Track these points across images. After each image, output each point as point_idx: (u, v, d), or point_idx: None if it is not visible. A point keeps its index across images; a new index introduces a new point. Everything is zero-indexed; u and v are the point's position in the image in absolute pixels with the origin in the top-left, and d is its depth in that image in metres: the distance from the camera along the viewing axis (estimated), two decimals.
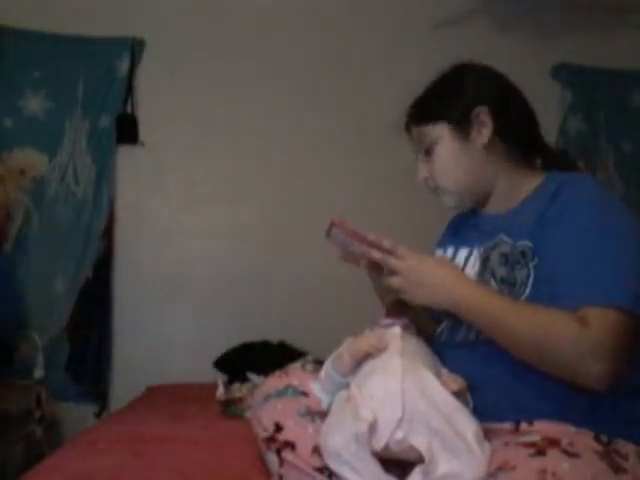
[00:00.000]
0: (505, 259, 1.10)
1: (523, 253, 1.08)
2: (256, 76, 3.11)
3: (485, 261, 1.15)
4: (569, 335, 0.96)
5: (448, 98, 1.20)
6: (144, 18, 3.06)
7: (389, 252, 1.12)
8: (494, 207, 1.21)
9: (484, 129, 1.17)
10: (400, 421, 0.95)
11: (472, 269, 1.18)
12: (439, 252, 1.30)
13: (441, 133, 1.19)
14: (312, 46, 3.14)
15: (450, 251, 1.26)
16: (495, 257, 1.13)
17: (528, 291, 1.06)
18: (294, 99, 3.11)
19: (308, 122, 3.12)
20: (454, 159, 1.19)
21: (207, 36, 3.10)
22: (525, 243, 1.08)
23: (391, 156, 3.05)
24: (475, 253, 1.19)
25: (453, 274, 1.12)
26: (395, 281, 1.12)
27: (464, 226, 1.29)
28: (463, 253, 1.22)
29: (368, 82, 3.15)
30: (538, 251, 1.06)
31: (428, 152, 1.21)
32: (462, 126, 1.18)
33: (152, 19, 3.06)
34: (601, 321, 0.95)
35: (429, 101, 1.23)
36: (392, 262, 1.11)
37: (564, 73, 3.33)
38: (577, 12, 3.23)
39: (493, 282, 1.12)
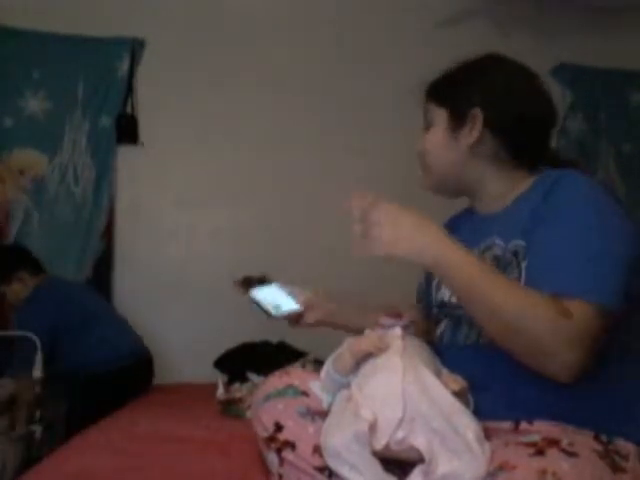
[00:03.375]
0: (497, 262, 1.09)
1: (515, 253, 1.07)
2: (256, 76, 3.11)
3: None
4: (549, 319, 0.94)
5: (458, 88, 1.20)
6: (144, 18, 3.06)
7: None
8: (488, 207, 1.21)
9: (473, 132, 1.17)
10: (401, 421, 0.95)
11: None
12: None
13: (439, 118, 1.20)
14: (312, 46, 3.15)
15: None
16: (488, 260, 1.11)
17: None
18: (294, 99, 3.11)
19: (308, 122, 3.13)
20: (441, 147, 1.20)
21: (207, 36, 3.10)
22: (518, 242, 1.07)
23: (391, 156, 3.06)
24: None
25: (435, 229, 1.04)
26: (374, 230, 1.03)
27: (459, 228, 1.28)
28: None
29: (368, 82, 3.15)
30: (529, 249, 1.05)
31: (427, 128, 1.23)
32: (457, 121, 1.18)
33: (152, 19, 3.07)
34: (582, 313, 0.94)
35: (444, 83, 1.23)
36: (369, 211, 1.05)
37: (564, 73, 3.33)
38: (577, 12, 3.24)
39: None
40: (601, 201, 1.05)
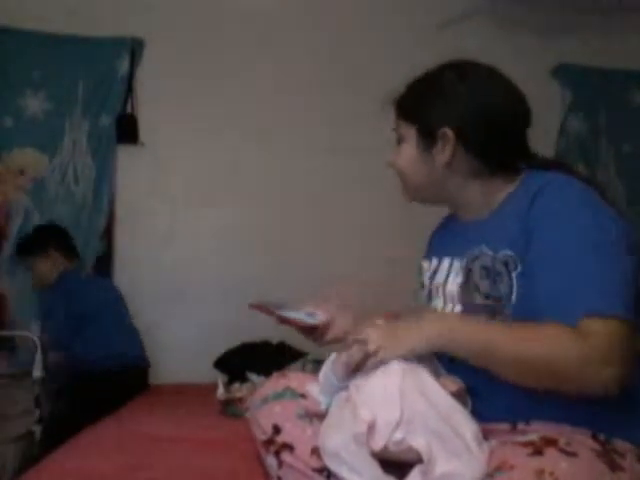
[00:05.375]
0: (487, 272, 1.08)
1: (505, 263, 1.05)
2: (256, 76, 3.11)
3: (468, 274, 1.13)
4: (575, 349, 0.93)
5: (425, 106, 1.18)
6: (144, 18, 3.06)
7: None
8: (471, 214, 1.19)
9: (446, 151, 1.14)
10: (399, 422, 0.95)
11: (454, 280, 1.16)
12: (425, 263, 1.28)
13: (409, 135, 1.19)
14: (313, 46, 3.14)
15: (435, 262, 1.24)
16: (477, 270, 1.10)
17: (513, 304, 1.04)
18: (294, 100, 3.11)
19: (309, 122, 3.12)
20: (414, 164, 1.19)
21: (207, 36, 3.10)
22: (507, 252, 1.06)
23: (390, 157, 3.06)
24: (457, 263, 1.16)
25: (427, 313, 1.11)
26: (371, 345, 1.05)
27: (447, 236, 1.28)
28: (446, 263, 1.20)
29: (368, 82, 3.14)
30: (521, 259, 1.03)
31: (398, 142, 1.22)
32: (427, 140, 1.16)
33: (152, 19, 3.06)
34: (602, 328, 0.93)
35: (411, 99, 1.21)
36: (359, 337, 1.07)
37: (564, 73, 3.33)
38: (577, 12, 3.24)
39: (478, 296, 1.10)
40: (591, 207, 1.03)
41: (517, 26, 3.19)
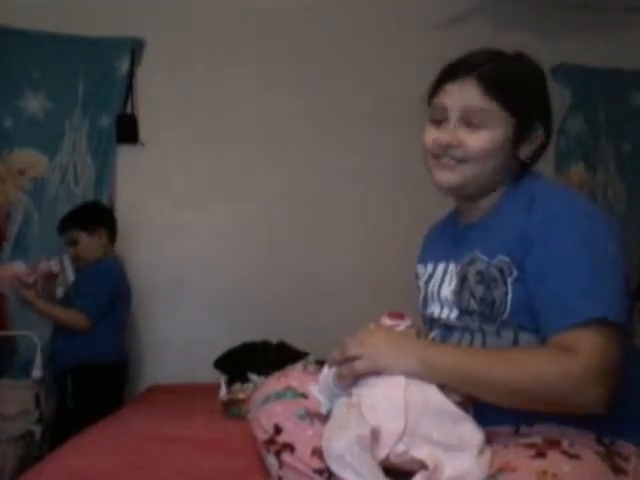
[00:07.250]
0: (481, 277, 1.07)
1: (501, 269, 1.05)
2: (256, 76, 3.11)
3: (463, 280, 1.11)
4: (559, 371, 0.92)
5: (527, 97, 1.11)
6: (144, 18, 3.06)
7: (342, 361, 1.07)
8: (469, 215, 1.18)
9: (532, 147, 1.13)
10: (402, 434, 0.94)
11: (448, 286, 1.15)
12: (420, 268, 1.28)
13: (500, 122, 1.08)
14: (312, 47, 3.14)
15: (430, 267, 1.24)
16: (472, 275, 1.09)
17: (508, 309, 1.03)
18: (294, 99, 3.11)
19: (308, 122, 3.12)
20: (495, 153, 1.09)
21: (207, 36, 3.10)
22: (502, 258, 1.05)
23: (391, 155, 3.06)
24: (451, 268, 1.16)
25: (404, 336, 1.08)
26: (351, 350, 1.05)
27: (441, 240, 1.27)
28: (441, 268, 1.20)
29: (368, 83, 3.15)
30: (517, 265, 1.03)
31: (470, 124, 1.09)
32: (524, 134, 1.11)
33: (152, 19, 3.06)
34: (587, 343, 0.92)
35: (519, 90, 1.10)
36: (346, 351, 1.05)
37: (564, 73, 3.33)
38: (577, 12, 3.24)
39: (472, 302, 1.09)
40: (586, 213, 1.03)
41: (517, 26, 3.18)
